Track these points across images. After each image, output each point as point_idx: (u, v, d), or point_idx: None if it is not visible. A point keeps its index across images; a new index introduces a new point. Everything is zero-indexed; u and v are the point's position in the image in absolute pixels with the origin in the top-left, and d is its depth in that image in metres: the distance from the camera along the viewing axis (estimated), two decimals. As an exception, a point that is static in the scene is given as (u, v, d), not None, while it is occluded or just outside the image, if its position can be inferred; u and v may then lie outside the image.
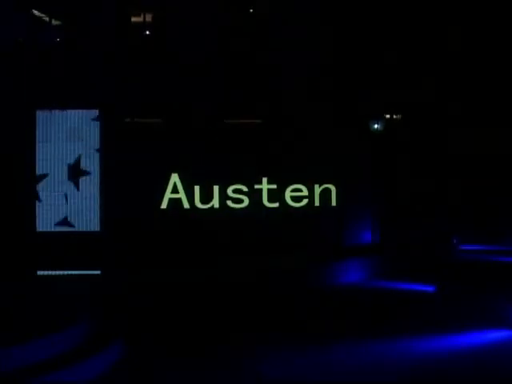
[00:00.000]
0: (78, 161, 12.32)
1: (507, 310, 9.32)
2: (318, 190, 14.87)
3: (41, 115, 12.27)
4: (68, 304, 8.55)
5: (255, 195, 14.29)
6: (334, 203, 14.78)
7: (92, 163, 12.34)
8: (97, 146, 12.30)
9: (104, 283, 11.69)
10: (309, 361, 7.64)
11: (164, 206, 13.59)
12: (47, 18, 12.81)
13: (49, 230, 12.41)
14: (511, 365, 7.55)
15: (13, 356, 6.15)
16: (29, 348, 6.39)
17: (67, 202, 12.45)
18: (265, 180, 14.47)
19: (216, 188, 14.00)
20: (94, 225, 12.40)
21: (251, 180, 14.27)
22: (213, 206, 13.99)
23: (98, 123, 12.33)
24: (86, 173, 12.40)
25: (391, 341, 8.48)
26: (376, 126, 16.18)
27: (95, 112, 12.38)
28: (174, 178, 13.69)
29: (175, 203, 13.71)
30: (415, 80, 15.36)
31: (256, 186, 14.36)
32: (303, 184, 14.51)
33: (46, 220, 12.38)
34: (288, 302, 10.92)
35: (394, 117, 16.58)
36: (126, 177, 12.96)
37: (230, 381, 7.00)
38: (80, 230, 12.46)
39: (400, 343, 8.37)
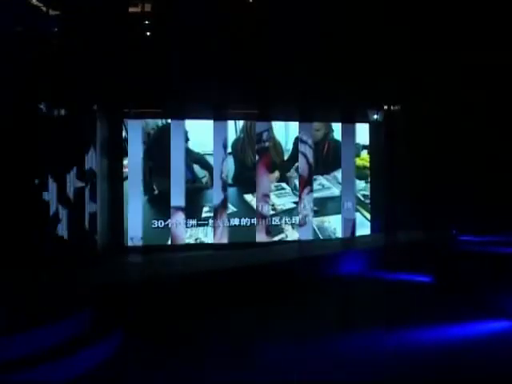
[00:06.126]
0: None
1: (506, 300, 9.31)
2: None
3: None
4: (67, 294, 8.55)
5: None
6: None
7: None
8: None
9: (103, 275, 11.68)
10: (308, 352, 7.64)
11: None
12: (44, 8, 12.72)
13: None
14: (510, 356, 7.57)
15: (7, 346, 6.13)
16: (26, 337, 6.38)
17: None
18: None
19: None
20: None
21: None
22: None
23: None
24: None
25: (388, 331, 8.49)
26: (375, 116, 16.14)
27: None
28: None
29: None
30: (416, 71, 15.31)
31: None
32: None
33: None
34: (287, 294, 10.89)
35: (392, 108, 16.54)
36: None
37: (229, 374, 7.00)
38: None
39: (397, 334, 8.36)
